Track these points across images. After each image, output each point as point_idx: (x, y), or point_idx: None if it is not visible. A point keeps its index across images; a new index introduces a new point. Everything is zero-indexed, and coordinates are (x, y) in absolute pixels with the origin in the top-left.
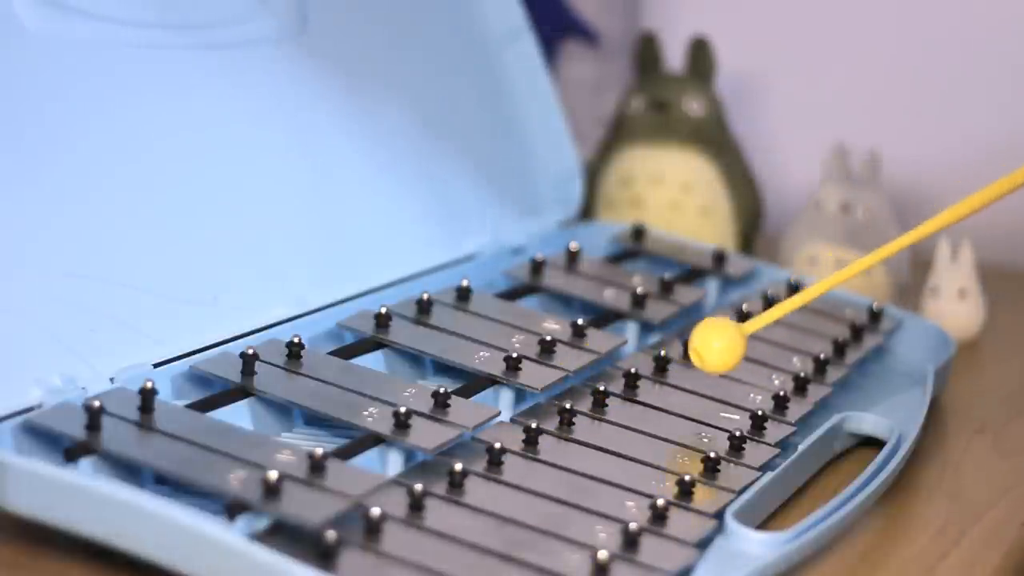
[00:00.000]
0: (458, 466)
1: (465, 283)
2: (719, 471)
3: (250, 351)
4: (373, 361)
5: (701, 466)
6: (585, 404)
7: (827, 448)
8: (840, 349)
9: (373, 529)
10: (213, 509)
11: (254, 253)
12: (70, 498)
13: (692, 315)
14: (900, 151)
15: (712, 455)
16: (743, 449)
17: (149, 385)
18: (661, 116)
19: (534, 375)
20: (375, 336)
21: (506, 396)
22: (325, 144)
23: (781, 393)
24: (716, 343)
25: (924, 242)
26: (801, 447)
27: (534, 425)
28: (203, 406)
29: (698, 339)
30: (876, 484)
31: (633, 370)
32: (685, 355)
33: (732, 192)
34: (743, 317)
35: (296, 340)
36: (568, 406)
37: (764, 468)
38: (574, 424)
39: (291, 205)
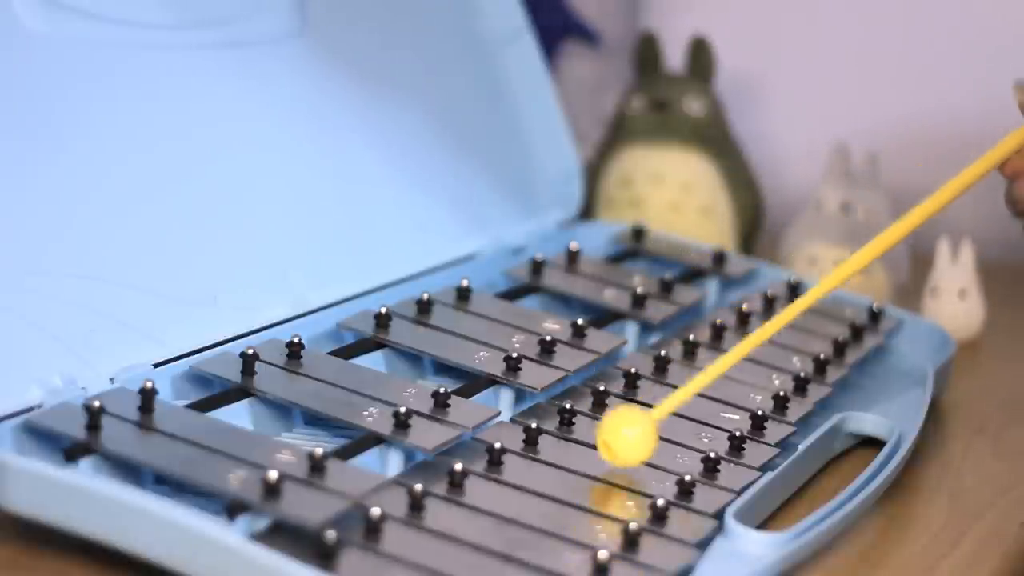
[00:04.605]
0: (458, 466)
1: (465, 283)
2: (719, 471)
3: (250, 351)
4: (373, 361)
5: (700, 467)
6: (585, 404)
7: (827, 448)
8: (840, 349)
9: (373, 529)
10: (213, 509)
11: (254, 253)
12: (70, 498)
13: (692, 315)
14: (900, 151)
15: (712, 455)
16: (743, 449)
17: (149, 385)
18: (661, 116)
19: (534, 375)
20: (375, 336)
21: (506, 396)
22: (324, 145)
23: (781, 393)
24: (626, 431)
25: (924, 243)
26: (801, 447)
27: (534, 425)
28: (203, 406)
29: (606, 431)
30: (876, 484)
31: (633, 370)
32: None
33: (732, 192)
34: (743, 317)
35: (296, 340)
36: (568, 406)
37: (764, 468)
38: (574, 424)
39: (291, 205)
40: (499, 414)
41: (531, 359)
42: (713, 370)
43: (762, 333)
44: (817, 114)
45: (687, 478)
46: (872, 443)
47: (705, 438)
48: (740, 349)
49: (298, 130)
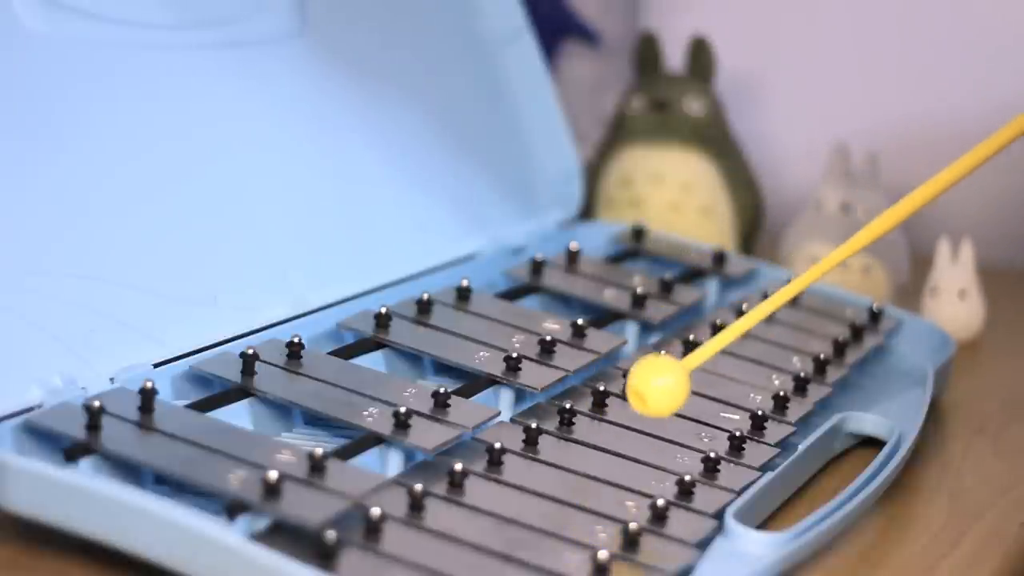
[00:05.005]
0: (458, 466)
1: (465, 283)
2: (719, 471)
3: (250, 351)
4: (373, 361)
5: (700, 467)
6: (585, 404)
7: (827, 448)
8: (840, 349)
9: (373, 529)
10: (213, 509)
11: (254, 253)
12: (70, 498)
13: (692, 315)
14: (900, 151)
15: (712, 455)
16: (743, 449)
17: (149, 385)
18: (661, 116)
19: (534, 375)
20: (375, 336)
21: (506, 396)
22: (325, 144)
23: (781, 393)
24: (657, 380)
25: (924, 243)
26: (801, 447)
27: (534, 425)
28: (203, 406)
29: (636, 378)
30: (876, 484)
31: None
32: (624, 395)
33: (732, 192)
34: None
35: (296, 340)
36: (568, 406)
37: (764, 468)
38: (574, 424)
39: (291, 205)
40: (499, 414)
41: (531, 359)
42: (750, 319)
43: (800, 283)
44: (817, 114)
45: (687, 478)
46: (872, 443)
47: (705, 438)
48: (775, 300)
49: (298, 130)
